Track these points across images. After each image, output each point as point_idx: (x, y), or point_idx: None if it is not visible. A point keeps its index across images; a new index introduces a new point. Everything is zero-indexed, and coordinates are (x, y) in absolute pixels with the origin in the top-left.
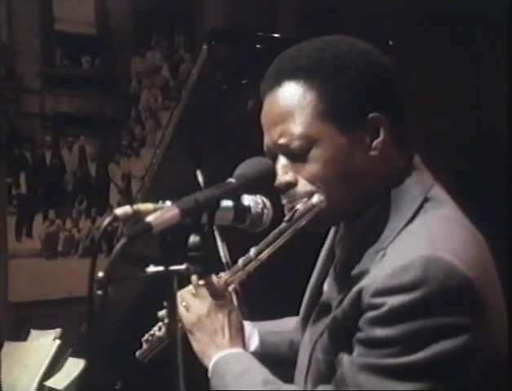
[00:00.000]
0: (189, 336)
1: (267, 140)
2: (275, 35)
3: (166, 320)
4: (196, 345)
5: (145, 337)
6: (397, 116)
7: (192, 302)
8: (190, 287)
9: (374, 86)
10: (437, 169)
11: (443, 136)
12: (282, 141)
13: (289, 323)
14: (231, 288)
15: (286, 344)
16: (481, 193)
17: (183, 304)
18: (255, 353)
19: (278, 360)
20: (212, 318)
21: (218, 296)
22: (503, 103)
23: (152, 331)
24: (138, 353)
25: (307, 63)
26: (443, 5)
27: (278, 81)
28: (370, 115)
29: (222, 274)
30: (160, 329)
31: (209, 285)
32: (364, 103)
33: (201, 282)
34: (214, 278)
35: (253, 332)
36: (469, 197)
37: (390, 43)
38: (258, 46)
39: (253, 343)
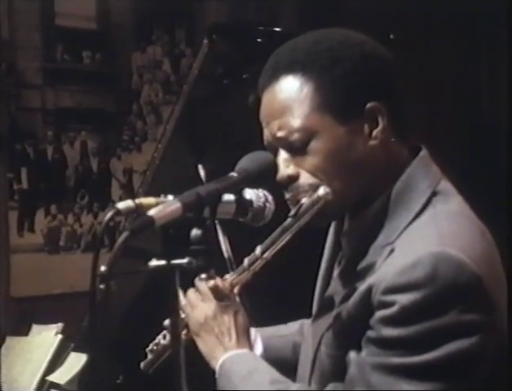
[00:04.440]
0: (196, 338)
1: (266, 134)
2: (277, 29)
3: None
4: (203, 348)
5: (149, 347)
6: (395, 105)
7: (198, 304)
8: (195, 289)
9: (371, 76)
10: (437, 163)
11: (442, 129)
12: (281, 134)
13: (292, 327)
14: (236, 290)
15: (290, 348)
16: (481, 187)
17: (189, 305)
18: None
19: (282, 364)
20: (218, 320)
21: (222, 297)
22: (503, 95)
23: (156, 340)
24: (142, 364)
25: (303, 56)
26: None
27: (275, 76)
28: (368, 104)
29: (227, 276)
30: (164, 337)
31: (213, 287)
32: (361, 93)
33: (203, 275)
34: (218, 279)
35: (257, 338)
36: (468, 191)
37: (391, 37)
38: (259, 40)
39: (257, 348)
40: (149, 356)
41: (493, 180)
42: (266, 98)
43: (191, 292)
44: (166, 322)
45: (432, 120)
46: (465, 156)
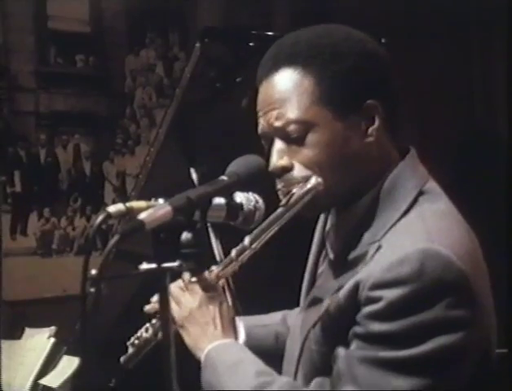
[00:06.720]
0: (181, 330)
1: (262, 123)
2: (269, 33)
3: (154, 320)
4: (187, 339)
5: (131, 340)
6: (391, 105)
7: (183, 297)
8: (178, 283)
9: (370, 74)
10: (429, 167)
11: (435, 134)
12: (278, 124)
13: (275, 317)
14: (222, 282)
15: (272, 337)
16: (472, 188)
17: (173, 300)
18: None
19: (264, 353)
20: (203, 311)
21: (208, 288)
22: (496, 97)
23: (138, 334)
24: (122, 358)
25: (305, 50)
26: (437, 3)
27: (275, 67)
28: (367, 102)
29: (213, 268)
30: (147, 330)
31: (199, 279)
32: (361, 91)
33: (194, 279)
34: (205, 271)
35: (239, 327)
36: (459, 196)
37: (383, 41)
38: (251, 44)
39: (240, 337)
40: (130, 350)
41: (486, 181)
42: (264, 88)
43: (174, 285)
44: (147, 307)
45: (424, 122)
46: (457, 158)
